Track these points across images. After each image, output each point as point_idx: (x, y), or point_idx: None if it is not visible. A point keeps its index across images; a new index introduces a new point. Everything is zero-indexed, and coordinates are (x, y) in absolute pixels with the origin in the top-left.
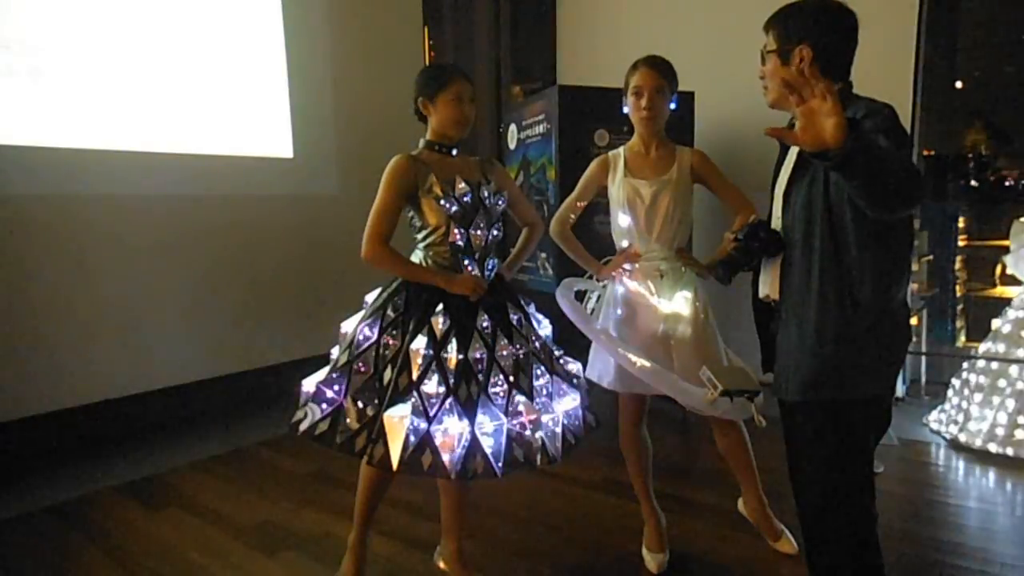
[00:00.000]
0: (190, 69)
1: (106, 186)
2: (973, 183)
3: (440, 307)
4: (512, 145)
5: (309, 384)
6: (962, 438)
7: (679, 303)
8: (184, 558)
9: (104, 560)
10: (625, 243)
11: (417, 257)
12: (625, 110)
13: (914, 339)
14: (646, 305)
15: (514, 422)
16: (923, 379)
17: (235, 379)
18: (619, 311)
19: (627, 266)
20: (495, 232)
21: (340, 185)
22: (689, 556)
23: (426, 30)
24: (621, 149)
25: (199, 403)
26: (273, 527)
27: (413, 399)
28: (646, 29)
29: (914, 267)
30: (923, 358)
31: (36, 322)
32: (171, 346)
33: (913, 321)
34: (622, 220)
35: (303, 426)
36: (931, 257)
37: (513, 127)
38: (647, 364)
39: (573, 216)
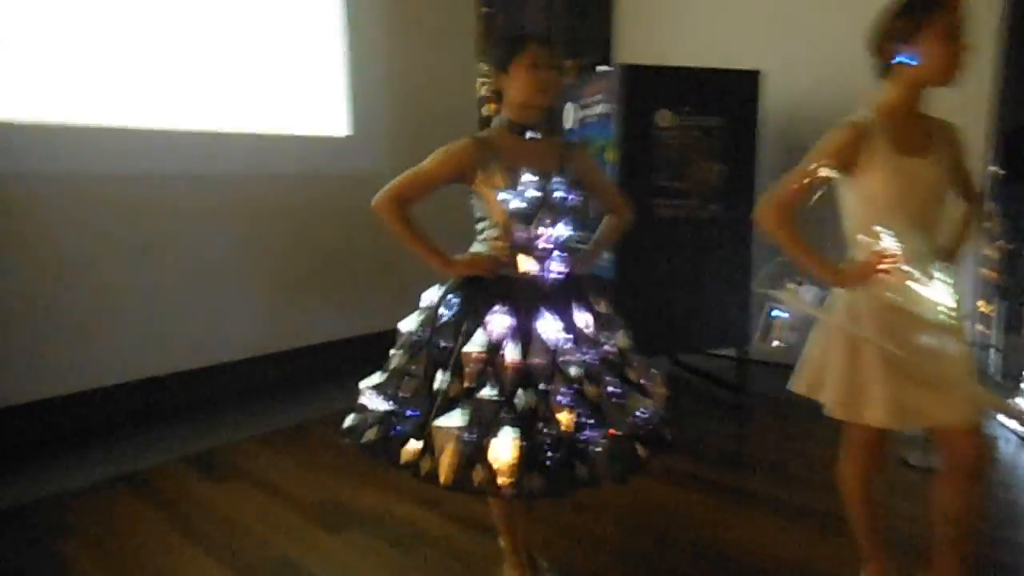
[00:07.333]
0: (248, 47)
1: (161, 166)
2: None
3: (497, 307)
4: (569, 125)
5: (364, 386)
6: None
7: (944, 294)
8: (249, 530)
9: (169, 529)
10: (878, 238)
11: (476, 250)
12: (900, 58)
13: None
14: (907, 317)
15: (578, 435)
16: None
17: (293, 355)
18: (866, 326)
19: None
20: (565, 228)
21: (397, 164)
22: (744, 549)
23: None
24: (872, 114)
25: (259, 378)
26: (334, 505)
27: (465, 408)
28: (709, 6)
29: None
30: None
31: (105, 295)
32: (231, 321)
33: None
34: (884, 210)
35: (351, 434)
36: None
37: (571, 106)
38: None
39: (800, 200)
